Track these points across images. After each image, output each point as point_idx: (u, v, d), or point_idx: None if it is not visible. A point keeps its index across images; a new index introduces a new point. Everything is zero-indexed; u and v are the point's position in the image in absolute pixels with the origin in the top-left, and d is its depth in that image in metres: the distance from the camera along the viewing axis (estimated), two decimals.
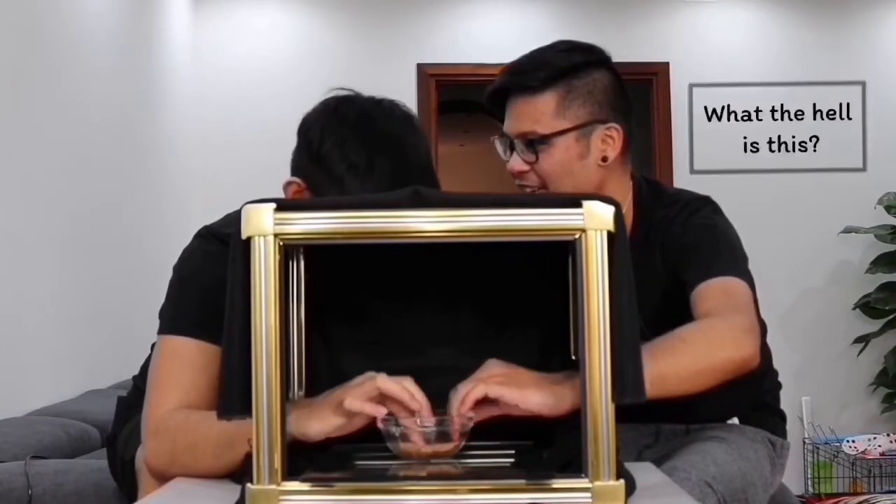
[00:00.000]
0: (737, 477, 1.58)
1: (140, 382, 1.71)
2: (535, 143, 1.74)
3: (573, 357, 1.18)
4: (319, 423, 1.16)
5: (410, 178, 1.37)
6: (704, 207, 1.76)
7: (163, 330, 1.50)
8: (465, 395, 1.16)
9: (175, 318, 1.48)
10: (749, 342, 1.47)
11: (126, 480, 1.62)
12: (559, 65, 1.74)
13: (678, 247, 1.69)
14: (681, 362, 1.38)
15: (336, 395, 1.17)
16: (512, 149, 1.77)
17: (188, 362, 1.44)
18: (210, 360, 1.42)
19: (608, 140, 1.75)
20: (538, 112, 1.74)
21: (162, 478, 1.39)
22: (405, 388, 1.16)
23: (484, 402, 1.18)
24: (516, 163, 1.76)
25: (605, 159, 1.75)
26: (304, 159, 1.47)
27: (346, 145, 1.41)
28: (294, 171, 1.50)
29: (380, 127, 1.43)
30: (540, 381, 1.18)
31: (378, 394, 1.16)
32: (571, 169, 1.74)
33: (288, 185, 1.49)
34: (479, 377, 1.18)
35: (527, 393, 1.17)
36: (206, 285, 1.39)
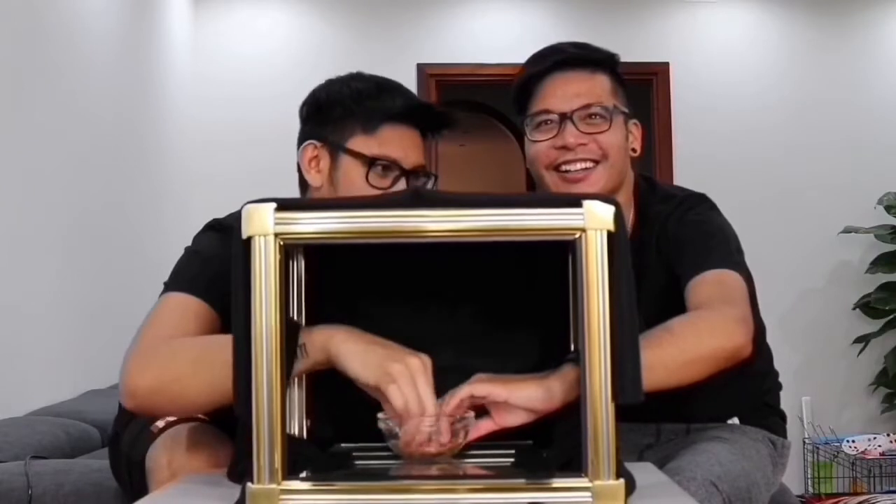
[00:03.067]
0: (741, 476, 1.58)
1: None
2: (598, 115, 1.74)
3: (573, 348, 1.18)
4: (363, 369, 1.14)
5: (420, 109, 1.58)
6: (700, 204, 1.77)
7: (166, 289, 1.48)
8: (451, 395, 1.16)
9: (176, 281, 1.48)
10: (740, 332, 1.47)
11: (133, 481, 1.61)
12: (605, 52, 1.81)
13: (674, 243, 1.70)
14: (669, 352, 1.37)
15: (389, 364, 1.14)
16: (561, 125, 1.74)
17: (182, 310, 1.41)
18: (205, 319, 1.41)
19: (635, 133, 1.82)
20: (599, 88, 1.76)
21: (143, 405, 1.32)
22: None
23: (476, 413, 1.18)
24: (573, 135, 1.73)
25: (634, 150, 1.82)
26: (314, 121, 1.61)
27: (354, 83, 1.60)
28: (304, 140, 1.61)
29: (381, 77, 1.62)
30: (529, 378, 1.18)
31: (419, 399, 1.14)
32: (625, 147, 1.78)
33: (303, 150, 1.60)
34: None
35: (515, 388, 1.16)
36: (211, 257, 1.44)
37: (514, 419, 1.18)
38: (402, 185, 1.56)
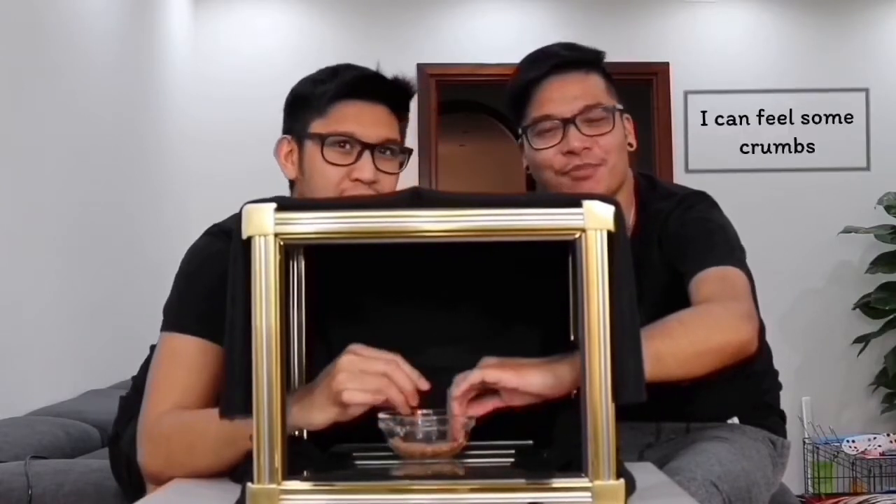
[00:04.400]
0: (741, 476, 1.58)
1: (139, 382, 1.71)
2: (600, 117, 1.73)
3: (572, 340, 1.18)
4: (321, 413, 1.15)
5: (368, 80, 1.58)
6: (701, 202, 1.78)
7: (166, 327, 1.50)
8: (462, 380, 1.16)
9: (179, 316, 1.49)
10: (747, 327, 1.47)
11: (132, 480, 1.62)
12: (595, 51, 1.80)
13: (675, 241, 1.70)
14: (678, 344, 1.37)
15: (329, 384, 1.14)
16: (565, 129, 1.73)
17: (187, 363, 1.44)
18: (211, 360, 1.42)
19: (629, 128, 1.81)
20: (596, 88, 1.76)
21: (158, 481, 1.39)
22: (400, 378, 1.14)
23: (483, 396, 1.18)
24: (578, 139, 1.71)
25: (630, 145, 1.81)
26: (286, 116, 1.64)
27: (314, 75, 1.62)
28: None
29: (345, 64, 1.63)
30: (538, 364, 1.17)
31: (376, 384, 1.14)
32: (624, 145, 1.78)
33: (278, 146, 1.64)
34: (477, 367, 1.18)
35: (525, 374, 1.16)
36: (212, 283, 1.40)
37: (522, 400, 1.17)
38: (366, 158, 1.55)
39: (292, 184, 1.66)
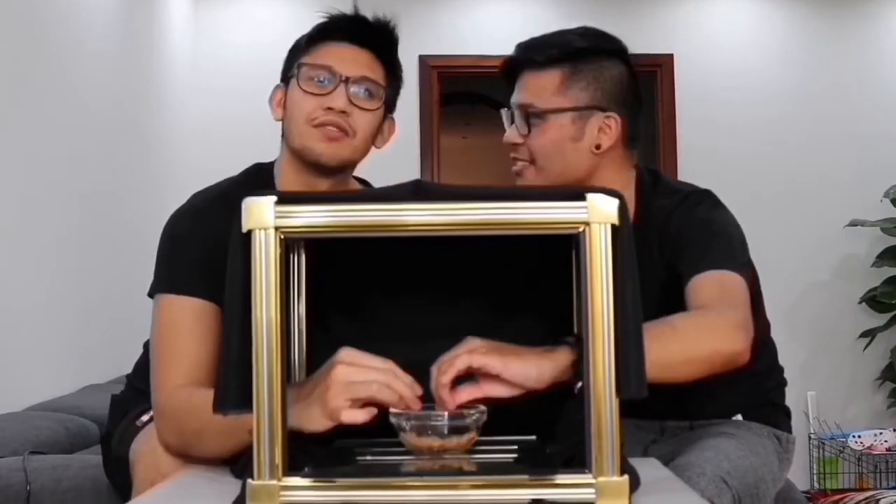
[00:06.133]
0: (749, 472, 1.57)
1: (135, 381, 1.71)
2: (531, 116, 1.73)
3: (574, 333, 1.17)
4: (312, 424, 1.13)
5: (351, 21, 1.64)
6: (704, 201, 1.74)
7: (158, 288, 1.49)
8: (449, 364, 1.13)
9: (171, 276, 1.49)
10: (740, 338, 1.44)
11: (121, 477, 1.61)
12: (569, 45, 1.74)
13: (676, 240, 1.67)
14: (669, 350, 1.35)
15: (323, 397, 1.12)
16: (512, 121, 1.77)
17: (188, 328, 1.43)
18: (210, 321, 1.42)
19: (605, 129, 1.72)
20: (541, 87, 1.73)
21: (177, 455, 1.42)
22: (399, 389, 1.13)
23: (463, 379, 1.16)
24: (511, 134, 1.76)
25: (598, 147, 1.72)
26: (283, 68, 1.68)
27: (314, 27, 1.66)
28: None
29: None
30: (522, 353, 1.15)
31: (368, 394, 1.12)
32: (563, 149, 1.72)
33: (272, 95, 1.67)
34: (462, 349, 1.15)
35: (509, 362, 1.13)
36: (201, 243, 1.44)
37: (501, 391, 1.14)
38: (340, 89, 1.59)
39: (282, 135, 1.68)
